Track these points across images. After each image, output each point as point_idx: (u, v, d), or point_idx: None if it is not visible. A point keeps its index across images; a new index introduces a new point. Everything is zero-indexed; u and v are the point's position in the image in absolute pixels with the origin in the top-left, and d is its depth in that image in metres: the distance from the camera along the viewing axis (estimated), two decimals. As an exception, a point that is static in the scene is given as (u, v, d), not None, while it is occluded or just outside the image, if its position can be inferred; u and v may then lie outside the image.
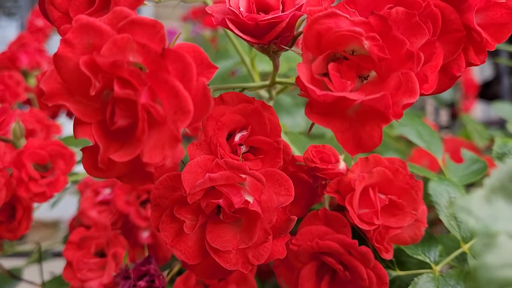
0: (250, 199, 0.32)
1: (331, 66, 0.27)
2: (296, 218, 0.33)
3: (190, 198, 0.31)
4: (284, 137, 0.55)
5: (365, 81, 0.29)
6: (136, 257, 0.58)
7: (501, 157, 0.47)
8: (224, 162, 0.31)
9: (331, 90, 0.26)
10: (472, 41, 0.32)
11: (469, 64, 0.32)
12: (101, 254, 0.51)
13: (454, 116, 1.53)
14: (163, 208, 0.33)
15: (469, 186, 0.56)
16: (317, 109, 0.27)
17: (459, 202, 0.18)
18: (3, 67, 0.66)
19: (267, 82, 0.41)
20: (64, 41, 0.25)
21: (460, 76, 0.32)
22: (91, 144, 0.26)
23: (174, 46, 0.25)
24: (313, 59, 0.28)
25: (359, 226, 0.36)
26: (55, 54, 0.25)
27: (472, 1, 0.30)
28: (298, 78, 0.27)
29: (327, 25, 0.27)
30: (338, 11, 0.26)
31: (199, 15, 1.43)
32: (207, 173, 0.31)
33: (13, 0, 3.25)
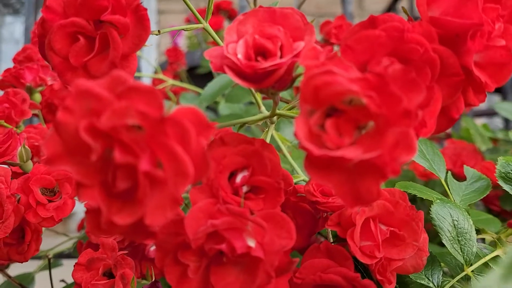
0: (252, 243, 0.32)
1: (329, 123, 0.27)
2: (298, 260, 0.33)
3: (194, 243, 0.32)
4: (287, 153, 0.55)
5: (363, 131, 0.29)
6: (144, 271, 0.60)
7: (505, 176, 0.47)
8: (225, 209, 0.32)
9: (329, 148, 0.27)
10: (471, 83, 0.32)
11: (468, 105, 0.32)
12: (110, 274, 0.52)
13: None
14: (167, 251, 0.34)
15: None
16: (316, 164, 0.27)
17: (477, 284, 0.19)
18: (8, 85, 0.66)
19: (268, 114, 0.41)
20: (64, 108, 0.25)
21: (459, 118, 0.32)
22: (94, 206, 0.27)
23: (173, 111, 0.26)
24: (311, 111, 0.28)
25: (361, 261, 0.36)
26: (55, 121, 0.26)
27: (471, 45, 0.30)
28: (296, 133, 0.27)
29: (324, 80, 0.27)
30: (334, 69, 0.26)
31: (202, 16, 1.42)
32: (209, 220, 0.32)
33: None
